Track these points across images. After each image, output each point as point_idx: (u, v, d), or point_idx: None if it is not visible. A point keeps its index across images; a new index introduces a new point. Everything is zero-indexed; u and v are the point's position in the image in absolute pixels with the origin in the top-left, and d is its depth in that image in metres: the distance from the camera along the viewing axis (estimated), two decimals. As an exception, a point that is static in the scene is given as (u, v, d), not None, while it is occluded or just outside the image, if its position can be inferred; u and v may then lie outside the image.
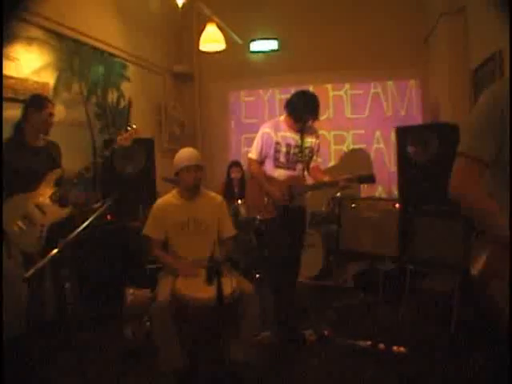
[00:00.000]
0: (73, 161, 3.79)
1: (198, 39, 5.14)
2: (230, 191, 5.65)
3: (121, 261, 4.34)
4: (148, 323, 3.31)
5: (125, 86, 5.57)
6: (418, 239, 3.99)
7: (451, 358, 3.16)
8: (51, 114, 3.51)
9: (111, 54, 5.30)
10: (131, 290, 3.50)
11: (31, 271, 2.16)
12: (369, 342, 3.40)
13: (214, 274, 2.31)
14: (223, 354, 2.82)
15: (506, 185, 1.61)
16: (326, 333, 3.61)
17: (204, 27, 5.06)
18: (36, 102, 3.47)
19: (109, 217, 4.47)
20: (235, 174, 5.83)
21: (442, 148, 4.46)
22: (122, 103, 5.52)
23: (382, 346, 3.34)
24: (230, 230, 3.35)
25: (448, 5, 5.20)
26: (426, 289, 4.28)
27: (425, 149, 4.58)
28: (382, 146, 6.34)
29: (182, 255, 3.17)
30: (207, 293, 2.53)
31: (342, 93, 6.49)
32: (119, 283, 3.86)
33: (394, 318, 3.91)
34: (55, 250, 2.26)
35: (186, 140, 6.51)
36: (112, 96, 5.33)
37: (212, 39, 5.03)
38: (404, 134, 4.86)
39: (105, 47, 5.17)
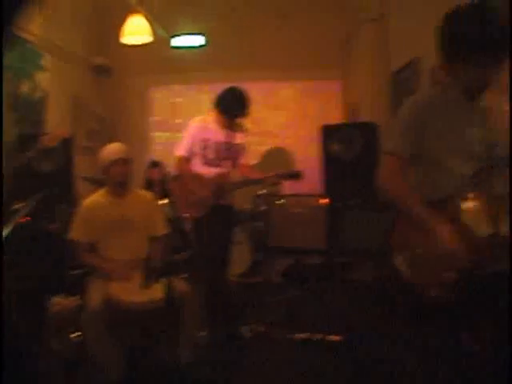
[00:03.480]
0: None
1: (121, 30, 4.88)
2: (152, 190, 5.49)
3: (43, 267, 4.04)
4: (78, 334, 3.08)
5: (40, 77, 5.15)
6: (344, 232, 4.12)
7: (385, 343, 3.29)
8: None
9: (26, 41, 4.89)
10: (56, 300, 3.25)
11: None
12: (305, 334, 3.45)
13: (154, 275, 2.22)
14: (164, 357, 2.72)
15: (429, 175, 1.90)
16: (262, 329, 3.62)
17: (127, 17, 4.79)
18: None
19: (23, 219, 4.15)
20: (155, 175, 5.69)
21: (366, 145, 4.62)
22: (37, 95, 5.14)
23: (317, 336, 3.41)
24: (162, 229, 3.23)
25: (371, 10, 5.41)
26: (355, 279, 4.42)
27: (349, 146, 4.72)
28: (305, 143, 6.45)
29: (112, 257, 3.00)
30: (145, 296, 2.42)
31: (267, 90, 6.54)
32: (43, 292, 3.58)
33: (326, 309, 4.01)
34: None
35: (105, 137, 6.22)
36: (25, 86, 4.94)
37: (136, 31, 4.79)
38: (329, 132, 4.98)
39: (19, 32, 4.75)
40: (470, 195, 1.76)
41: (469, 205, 1.76)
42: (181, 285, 2.88)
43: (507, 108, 1.84)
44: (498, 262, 1.72)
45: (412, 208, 1.87)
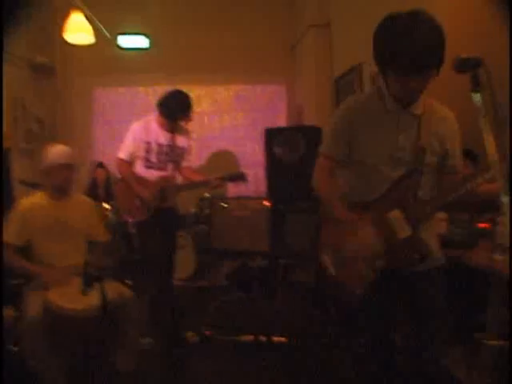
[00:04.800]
0: None
1: (63, 28, 4.70)
2: (95, 193, 5.39)
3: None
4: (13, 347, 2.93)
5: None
6: (288, 235, 4.18)
7: (328, 343, 3.39)
8: None
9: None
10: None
11: None
12: (250, 337, 3.49)
13: (93, 281, 2.17)
14: (108, 365, 2.66)
15: (361, 178, 1.95)
16: (207, 333, 3.61)
17: (69, 15, 4.63)
18: None
19: None
20: (100, 176, 5.58)
21: (308, 149, 4.71)
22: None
23: (262, 338, 3.45)
24: (102, 235, 3.14)
25: (316, 17, 5.55)
26: (298, 281, 4.49)
27: (292, 149, 4.80)
28: (249, 146, 6.51)
29: (50, 263, 2.87)
30: (85, 302, 2.36)
31: (212, 94, 6.55)
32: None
33: (271, 311, 4.06)
34: None
35: (45, 139, 6.02)
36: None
37: (78, 30, 4.64)
38: (272, 136, 5.04)
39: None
40: (395, 199, 1.84)
41: (393, 209, 1.84)
42: (122, 290, 2.82)
43: (450, 115, 1.93)
44: (414, 262, 1.82)
45: (335, 208, 1.95)
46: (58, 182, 2.92)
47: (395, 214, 1.83)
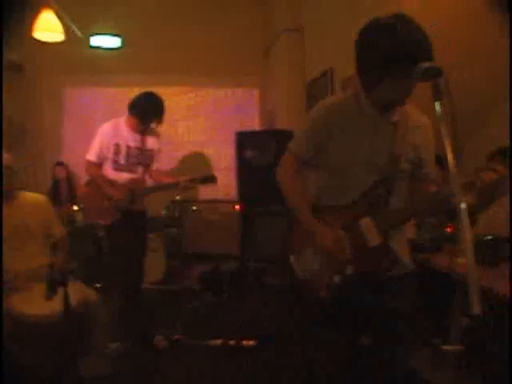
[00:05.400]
0: None
1: (33, 26, 4.63)
2: (58, 193, 5.30)
3: None
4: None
5: None
6: (258, 238, 4.20)
7: (298, 344, 3.39)
8: None
9: None
10: None
11: None
12: (219, 340, 3.47)
13: (57, 284, 2.12)
14: (74, 371, 2.61)
15: (334, 181, 1.93)
16: (176, 337, 3.58)
17: (40, 12, 4.55)
18: None
19: None
20: (60, 175, 5.50)
21: (280, 152, 4.70)
22: None
23: (232, 342, 3.45)
24: (60, 231, 3.04)
25: (289, 21, 5.60)
26: (269, 283, 4.50)
27: (263, 153, 4.82)
28: (220, 150, 6.50)
29: (9, 268, 2.73)
30: (49, 308, 2.31)
31: (184, 96, 6.51)
32: None
33: (241, 315, 4.06)
34: None
35: (13, 138, 5.89)
36: None
37: (48, 27, 4.56)
38: (243, 139, 5.05)
39: None
40: (367, 205, 1.85)
41: (364, 215, 1.86)
42: (89, 294, 2.78)
43: (426, 123, 1.93)
44: (382, 270, 1.84)
45: (298, 209, 1.95)
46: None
47: (366, 222, 1.84)
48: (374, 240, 1.82)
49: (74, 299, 2.47)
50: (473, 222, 3.24)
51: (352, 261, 1.84)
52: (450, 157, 1.28)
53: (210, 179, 3.54)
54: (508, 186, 2.82)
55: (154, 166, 3.69)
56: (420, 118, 1.94)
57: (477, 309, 1.19)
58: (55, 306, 2.26)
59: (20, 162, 3.65)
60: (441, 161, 2.74)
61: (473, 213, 3.31)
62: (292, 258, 1.99)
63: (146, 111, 3.49)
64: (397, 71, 1.67)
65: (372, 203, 1.85)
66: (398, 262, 1.86)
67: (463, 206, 1.23)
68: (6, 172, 2.80)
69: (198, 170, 6.32)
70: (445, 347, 2.53)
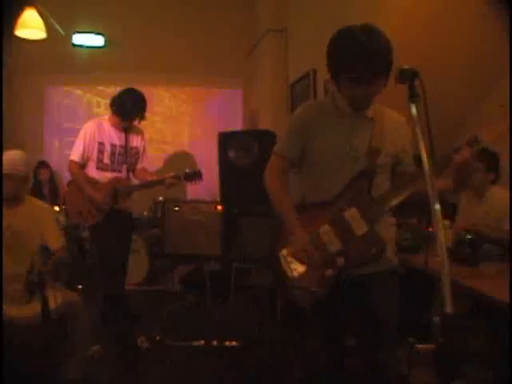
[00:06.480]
0: None
1: (14, 24, 4.53)
2: (40, 194, 5.24)
3: None
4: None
5: None
6: (241, 238, 4.20)
7: (280, 344, 3.43)
8: None
9: None
10: None
11: None
12: (202, 341, 3.47)
13: (35, 288, 2.10)
14: (55, 374, 2.59)
15: (318, 178, 2.00)
16: (158, 338, 3.56)
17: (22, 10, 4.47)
18: None
19: None
20: (43, 175, 5.45)
21: (262, 153, 4.74)
22: None
23: (214, 342, 3.44)
24: (57, 241, 2.89)
25: (273, 22, 5.61)
26: (252, 284, 4.50)
27: (246, 153, 4.82)
28: (203, 150, 6.48)
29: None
30: (28, 310, 2.29)
31: (167, 95, 6.49)
32: None
33: (224, 315, 4.06)
34: None
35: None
36: None
37: (29, 25, 4.50)
38: (226, 139, 5.05)
39: None
40: (351, 198, 1.91)
41: (349, 206, 1.91)
42: (70, 296, 2.75)
43: (401, 119, 2.02)
44: (371, 257, 1.89)
45: (280, 209, 2.00)
46: (7, 192, 2.73)
47: (351, 212, 1.89)
48: (360, 229, 1.88)
49: (54, 301, 2.45)
50: (453, 220, 3.32)
51: (343, 254, 1.88)
52: (424, 158, 1.30)
53: (196, 175, 3.54)
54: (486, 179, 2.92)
55: (139, 165, 3.68)
56: (395, 115, 2.04)
57: (449, 308, 1.21)
58: (34, 308, 2.24)
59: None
60: (419, 160, 2.81)
61: (454, 209, 3.39)
62: (280, 255, 2.01)
63: (129, 108, 3.48)
64: (341, 77, 1.84)
65: (355, 194, 1.91)
66: (385, 251, 1.90)
67: (437, 206, 1.25)
68: (18, 181, 2.73)
69: (183, 169, 6.27)
70: (420, 346, 2.58)
